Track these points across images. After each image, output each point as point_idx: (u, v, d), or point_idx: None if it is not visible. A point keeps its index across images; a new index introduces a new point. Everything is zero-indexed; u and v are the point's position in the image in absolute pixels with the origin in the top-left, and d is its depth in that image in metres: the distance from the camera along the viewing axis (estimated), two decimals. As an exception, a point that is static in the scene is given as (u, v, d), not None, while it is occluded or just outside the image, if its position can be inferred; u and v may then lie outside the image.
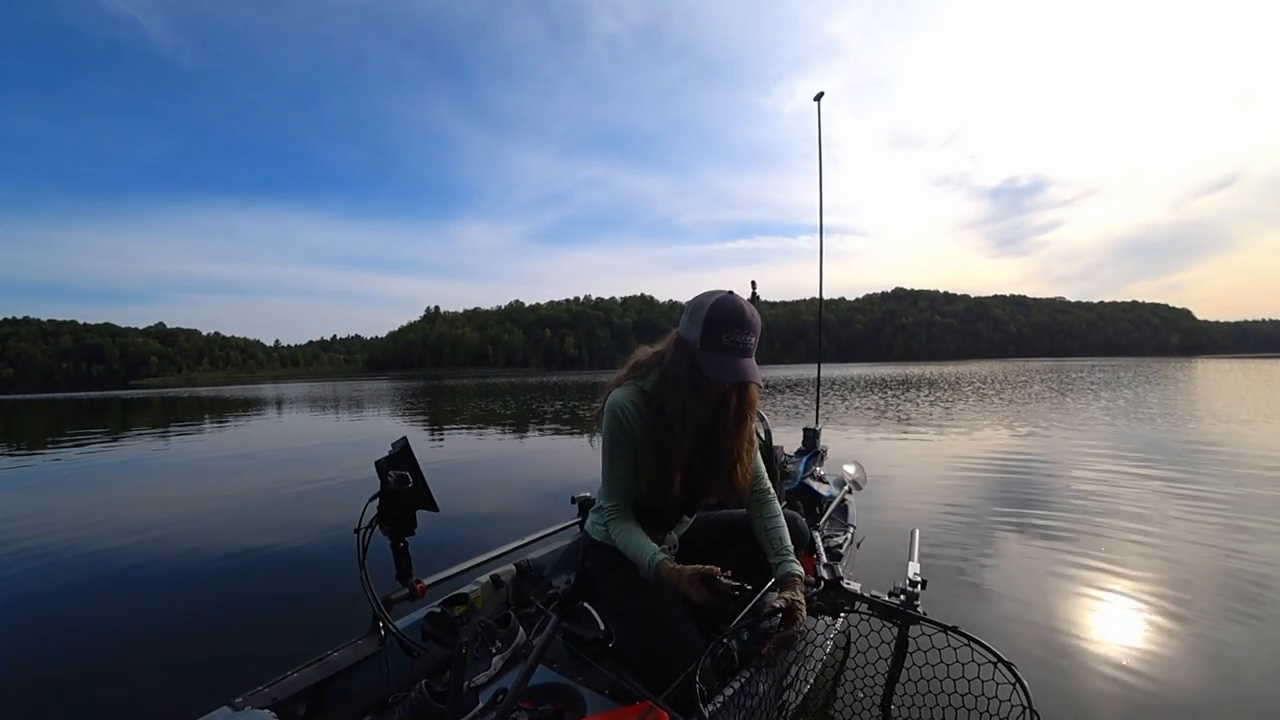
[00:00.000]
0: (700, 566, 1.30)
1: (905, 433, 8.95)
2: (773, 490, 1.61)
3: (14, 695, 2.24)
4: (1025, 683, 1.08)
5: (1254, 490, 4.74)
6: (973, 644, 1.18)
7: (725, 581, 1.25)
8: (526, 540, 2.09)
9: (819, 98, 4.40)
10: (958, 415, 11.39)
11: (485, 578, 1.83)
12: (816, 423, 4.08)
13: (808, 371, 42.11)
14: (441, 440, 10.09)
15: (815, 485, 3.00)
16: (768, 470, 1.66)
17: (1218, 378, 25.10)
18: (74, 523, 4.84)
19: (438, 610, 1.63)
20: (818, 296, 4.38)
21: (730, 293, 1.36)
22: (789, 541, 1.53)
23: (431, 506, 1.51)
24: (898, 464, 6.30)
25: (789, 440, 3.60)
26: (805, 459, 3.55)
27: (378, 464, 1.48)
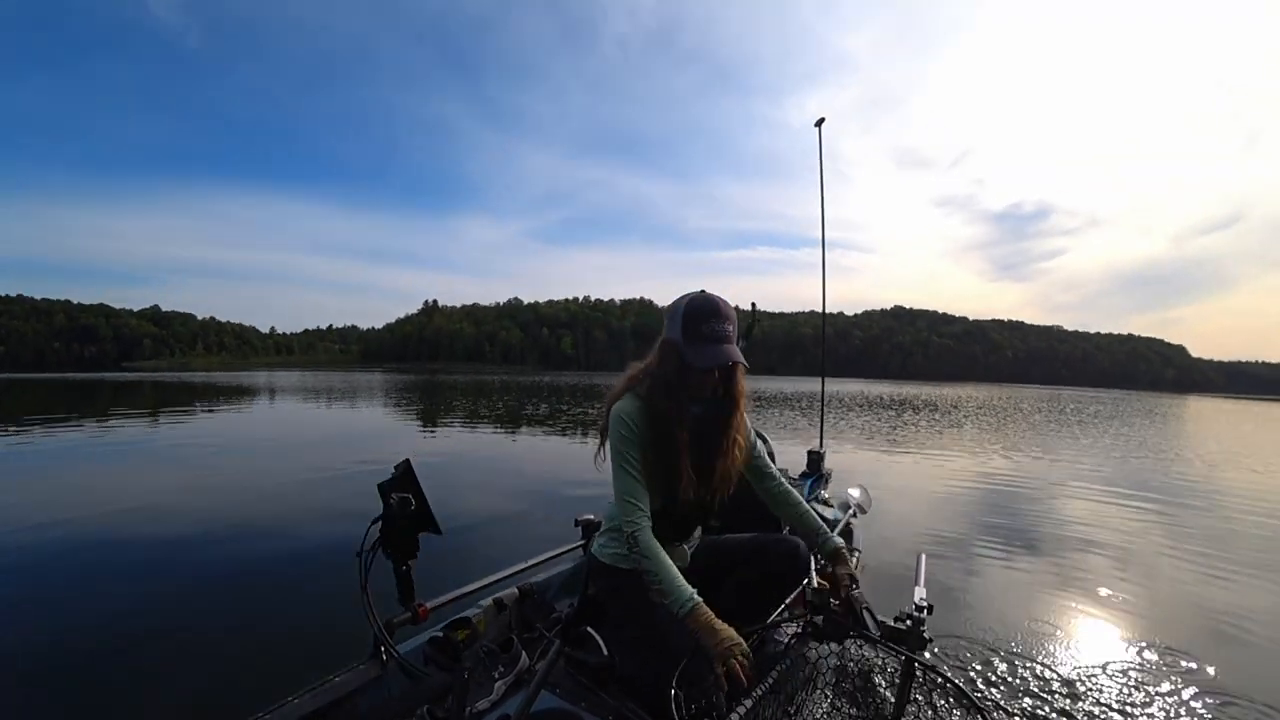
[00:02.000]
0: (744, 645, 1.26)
1: (908, 456, 9.01)
2: (785, 482, 1.68)
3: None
4: None
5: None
6: (949, 684, 1.21)
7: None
8: (529, 563, 2.08)
9: (820, 123, 4.40)
10: (963, 441, 11.68)
11: (488, 601, 1.83)
12: (821, 445, 4.07)
13: (805, 385, 42.12)
14: (442, 450, 10.03)
15: (820, 509, 3.00)
16: None
17: (1217, 418, 25.41)
18: (63, 515, 4.79)
19: (440, 634, 1.62)
20: (816, 310, 4.41)
21: (703, 290, 1.49)
22: (819, 521, 1.60)
23: (434, 529, 1.50)
24: (902, 488, 6.34)
25: (793, 463, 3.60)
26: (809, 481, 3.55)
27: (380, 487, 1.47)
